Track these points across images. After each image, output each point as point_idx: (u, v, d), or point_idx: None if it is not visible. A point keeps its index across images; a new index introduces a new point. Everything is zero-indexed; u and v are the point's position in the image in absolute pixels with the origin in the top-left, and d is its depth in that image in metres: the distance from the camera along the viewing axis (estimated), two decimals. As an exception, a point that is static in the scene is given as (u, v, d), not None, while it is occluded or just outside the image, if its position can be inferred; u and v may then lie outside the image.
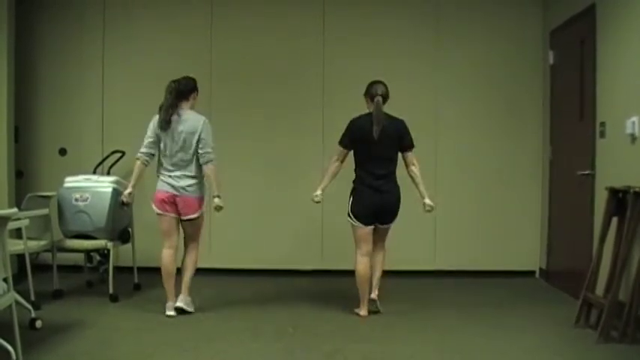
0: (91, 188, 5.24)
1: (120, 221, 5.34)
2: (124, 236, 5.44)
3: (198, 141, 4.64)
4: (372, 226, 4.75)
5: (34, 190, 5.69)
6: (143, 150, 4.75)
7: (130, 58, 6.37)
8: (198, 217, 4.74)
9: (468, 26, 6.31)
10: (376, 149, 4.66)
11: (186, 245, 4.82)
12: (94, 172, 5.99)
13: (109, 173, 6.04)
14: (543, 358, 3.84)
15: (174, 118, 4.64)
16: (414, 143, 4.79)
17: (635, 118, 4.35)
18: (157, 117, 4.70)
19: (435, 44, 6.31)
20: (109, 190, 5.23)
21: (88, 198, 5.19)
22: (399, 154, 4.77)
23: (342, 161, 4.84)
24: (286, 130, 6.35)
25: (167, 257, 4.71)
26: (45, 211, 5.05)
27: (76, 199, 5.19)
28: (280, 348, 3.96)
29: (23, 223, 4.21)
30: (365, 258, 4.73)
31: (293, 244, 6.32)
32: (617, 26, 4.69)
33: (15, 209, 3.72)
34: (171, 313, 4.65)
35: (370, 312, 4.76)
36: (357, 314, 4.76)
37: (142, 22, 6.40)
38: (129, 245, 5.57)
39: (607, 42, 4.83)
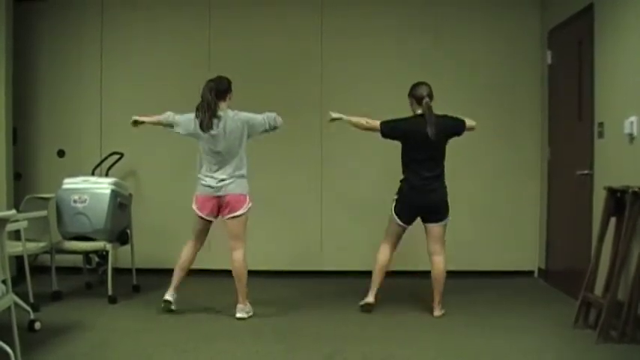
0: (90, 190, 5.24)
1: (119, 223, 5.34)
2: (122, 238, 5.44)
3: (254, 128, 4.68)
4: (408, 226, 4.79)
5: (32, 191, 5.68)
6: (175, 116, 4.78)
7: (129, 59, 6.37)
8: (243, 214, 4.70)
9: (466, 26, 6.31)
10: (428, 150, 4.67)
11: (232, 247, 4.74)
12: (93, 174, 5.99)
13: (107, 175, 6.04)
14: (542, 358, 3.84)
15: (215, 119, 4.60)
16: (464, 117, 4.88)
17: (633, 118, 4.36)
18: (193, 115, 4.66)
19: (433, 44, 6.31)
20: (108, 191, 5.23)
21: (86, 200, 5.18)
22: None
23: (364, 129, 4.87)
24: (284, 131, 6.31)
25: (188, 251, 4.76)
26: (43, 212, 5.04)
27: (75, 201, 5.18)
28: (281, 349, 3.96)
29: (22, 225, 4.21)
30: (387, 250, 4.81)
31: (293, 245, 6.32)
32: (615, 26, 4.69)
33: (13, 211, 3.72)
34: (169, 297, 4.68)
35: (377, 300, 4.79)
36: (365, 303, 4.79)
37: (140, 23, 6.40)
38: (128, 247, 5.57)
39: (605, 42, 4.83)
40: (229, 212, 4.66)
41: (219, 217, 4.74)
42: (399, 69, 6.18)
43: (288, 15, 6.37)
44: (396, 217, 4.77)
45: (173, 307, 4.72)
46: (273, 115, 4.81)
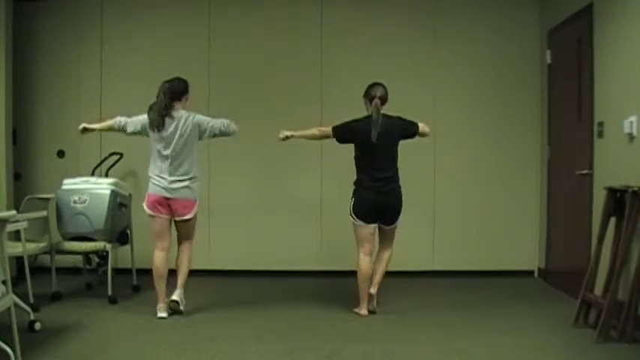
0: (90, 190, 5.24)
1: (118, 223, 5.34)
2: (122, 238, 5.44)
3: (204, 132, 4.67)
4: (375, 225, 4.76)
5: (32, 192, 5.69)
6: (127, 120, 4.79)
7: (128, 59, 6.37)
8: (192, 218, 4.74)
9: (466, 26, 6.32)
10: (376, 152, 4.66)
11: (180, 244, 4.82)
12: (93, 174, 5.99)
13: (107, 175, 6.04)
14: (542, 358, 3.83)
15: (168, 119, 4.62)
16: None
17: (633, 118, 4.36)
18: (145, 115, 4.70)
19: (432, 44, 6.31)
20: (108, 192, 5.23)
21: (86, 200, 5.18)
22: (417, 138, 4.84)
23: (320, 138, 4.95)
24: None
25: (159, 259, 4.71)
26: (43, 213, 5.04)
27: (75, 201, 5.18)
28: (280, 349, 3.96)
29: (22, 226, 4.21)
30: (367, 257, 4.76)
31: (292, 245, 6.32)
32: (614, 25, 4.69)
33: (13, 212, 3.73)
34: (163, 314, 4.65)
35: (370, 312, 4.77)
36: (357, 314, 4.76)
37: (139, 23, 6.40)
38: (127, 247, 5.57)
39: (604, 41, 4.83)
40: (179, 216, 4.69)
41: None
42: (398, 69, 6.19)
43: (288, 15, 6.36)
44: (357, 219, 4.74)
45: (182, 306, 4.72)
46: (227, 121, 4.79)
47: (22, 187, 6.18)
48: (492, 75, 6.30)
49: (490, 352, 3.92)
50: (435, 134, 6.23)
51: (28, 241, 4.70)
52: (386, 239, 4.86)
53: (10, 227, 3.84)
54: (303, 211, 6.34)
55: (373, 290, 4.79)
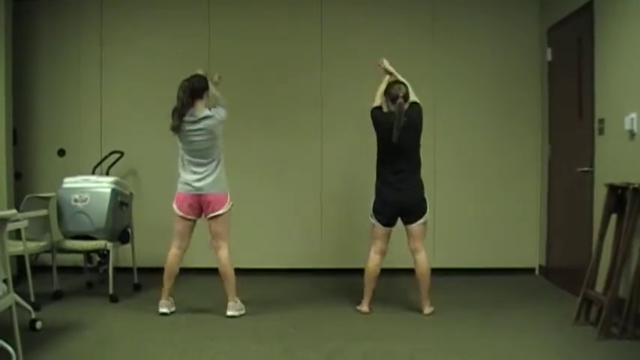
0: (90, 189, 5.24)
1: (119, 222, 5.34)
2: (123, 237, 5.44)
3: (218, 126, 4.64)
4: (390, 228, 4.76)
5: (33, 191, 5.68)
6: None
7: (128, 59, 6.37)
8: (225, 213, 4.69)
9: (466, 25, 6.31)
10: (396, 148, 4.64)
11: (216, 248, 4.72)
12: (93, 173, 6.00)
13: (107, 174, 6.04)
14: (543, 356, 3.84)
15: (190, 118, 4.58)
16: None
17: (633, 115, 4.35)
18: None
19: (432, 43, 6.30)
20: (108, 190, 5.23)
21: (87, 199, 5.18)
22: None
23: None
24: (284, 132, 6.35)
25: (173, 257, 4.72)
26: (44, 212, 5.04)
27: (75, 200, 5.19)
28: (281, 348, 3.96)
29: (22, 225, 4.21)
30: (377, 256, 4.76)
31: (292, 244, 6.32)
32: (614, 23, 4.69)
33: (14, 210, 3.72)
34: (164, 310, 4.66)
35: (372, 310, 4.76)
36: (359, 311, 4.77)
37: (139, 23, 6.40)
38: (129, 246, 5.57)
39: (605, 39, 4.83)
40: (211, 212, 4.66)
41: (203, 216, 4.73)
42: (398, 68, 6.16)
43: (288, 15, 6.36)
44: (374, 219, 4.74)
45: (169, 310, 4.72)
46: (224, 109, 4.75)
47: (23, 186, 6.18)
48: (492, 73, 6.29)
49: (491, 349, 3.93)
50: (435, 133, 6.25)
51: (28, 240, 4.70)
52: (413, 240, 4.76)
53: (11, 226, 3.84)
54: (304, 210, 6.34)
55: (427, 310, 4.75)
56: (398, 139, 4.56)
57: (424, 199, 4.74)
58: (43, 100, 6.41)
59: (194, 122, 4.57)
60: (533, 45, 6.26)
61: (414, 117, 4.69)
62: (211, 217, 4.67)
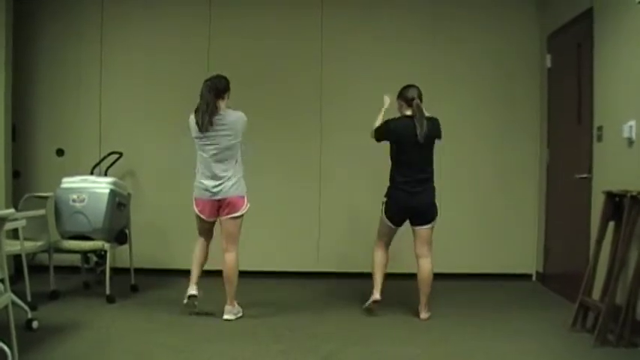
0: (89, 189, 5.23)
1: (117, 222, 5.33)
2: (121, 237, 5.44)
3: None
4: (399, 227, 4.82)
5: (31, 190, 5.68)
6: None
7: (128, 58, 6.37)
8: (242, 215, 4.68)
9: (466, 29, 6.32)
10: (417, 151, 4.67)
11: (226, 249, 4.69)
12: (92, 173, 5.98)
13: (106, 174, 6.04)
14: (540, 362, 3.85)
15: (215, 118, 4.55)
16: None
17: (632, 122, 4.36)
18: (193, 119, 4.61)
19: (432, 48, 6.31)
20: (107, 191, 5.22)
21: (85, 199, 5.18)
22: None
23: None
24: (284, 132, 6.35)
25: (199, 245, 4.78)
26: (42, 211, 5.04)
27: (74, 200, 5.18)
28: (278, 350, 3.96)
29: (20, 224, 4.21)
30: (382, 250, 4.86)
31: (290, 246, 6.32)
32: (614, 30, 4.70)
33: (12, 210, 3.72)
34: (193, 292, 4.65)
35: (378, 301, 4.78)
36: (371, 303, 4.78)
37: (139, 22, 6.40)
38: (126, 246, 5.57)
39: (604, 46, 4.84)
40: (228, 213, 4.64)
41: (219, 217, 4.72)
42: (398, 70, 6.19)
43: (288, 15, 6.37)
44: (386, 220, 4.79)
45: (196, 302, 4.71)
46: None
47: (21, 185, 6.17)
48: (492, 78, 6.30)
49: (487, 355, 3.93)
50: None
51: (26, 239, 4.70)
52: (421, 244, 4.80)
53: (9, 225, 3.83)
54: (303, 213, 6.34)
55: (424, 315, 4.76)
56: (422, 140, 4.60)
57: (435, 204, 4.79)
58: (42, 100, 6.40)
59: (216, 122, 4.56)
60: (533, 51, 6.27)
61: (433, 127, 4.72)
62: (226, 219, 4.67)
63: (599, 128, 4.88)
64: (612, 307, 4.06)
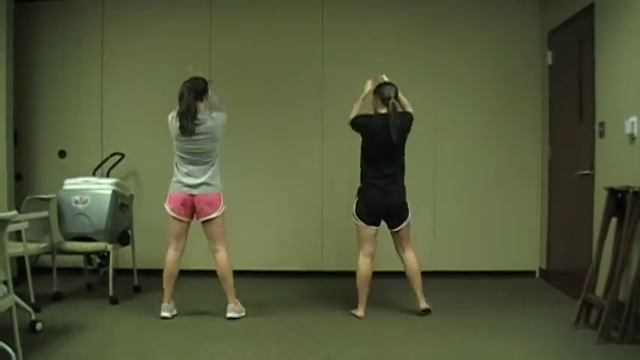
0: (91, 190, 5.24)
1: (120, 223, 5.34)
2: (123, 238, 5.45)
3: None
4: (376, 228, 4.75)
5: (33, 192, 5.69)
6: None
7: (129, 60, 6.38)
8: (219, 216, 4.68)
9: (466, 27, 6.31)
10: (388, 149, 4.65)
11: (213, 251, 4.72)
12: (94, 175, 5.99)
13: (108, 175, 6.05)
14: (543, 359, 3.84)
15: (195, 120, 4.56)
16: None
17: (634, 119, 4.35)
18: (172, 120, 4.63)
19: (432, 46, 6.31)
20: (109, 192, 5.23)
21: (87, 200, 5.19)
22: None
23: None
24: (285, 133, 6.35)
25: (171, 258, 4.69)
26: (44, 213, 5.05)
27: (76, 202, 5.19)
28: (278, 350, 3.96)
29: (23, 226, 4.21)
30: (367, 259, 4.75)
31: (292, 246, 6.32)
32: (615, 26, 4.69)
33: (14, 212, 3.72)
34: (166, 314, 4.64)
35: (368, 314, 4.76)
36: (354, 315, 4.76)
37: (140, 24, 6.41)
38: (129, 247, 5.58)
39: (605, 42, 4.83)
40: (206, 214, 4.65)
41: (196, 219, 4.72)
42: (399, 69, 6.17)
43: (288, 15, 6.37)
44: (359, 220, 4.74)
45: (171, 314, 4.70)
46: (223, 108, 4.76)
47: (24, 187, 6.19)
48: (493, 76, 6.29)
49: (490, 353, 3.92)
50: (435, 135, 6.26)
51: (29, 241, 4.70)
52: (399, 242, 4.80)
53: (12, 227, 3.84)
54: (304, 212, 6.34)
55: (423, 305, 4.74)
56: (397, 139, 4.57)
57: (406, 203, 4.76)
58: (44, 102, 6.42)
59: (197, 125, 4.57)
60: (534, 48, 6.26)
61: (404, 123, 4.70)
62: (205, 221, 4.67)
63: (601, 125, 4.87)
64: (615, 303, 4.05)
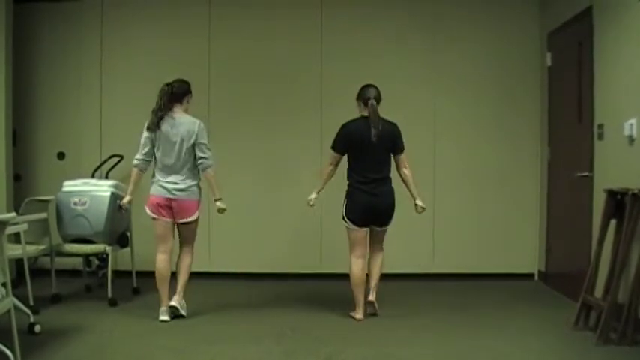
0: (90, 192, 5.24)
1: (118, 225, 5.34)
2: (122, 240, 5.44)
3: (194, 145, 4.62)
4: (367, 229, 4.76)
5: (32, 194, 5.68)
6: (139, 157, 4.72)
7: (128, 61, 6.38)
8: (194, 221, 4.73)
9: (466, 28, 6.32)
10: (371, 152, 4.66)
11: (181, 248, 4.80)
12: (93, 176, 5.99)
13: (107, 177, 6.04)
14: (542, 361, 3.85)
15: (169, 121, 4.61)
16: (406, 147, 4.82)
17: (633, 120, 4.36)
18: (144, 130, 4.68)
19: (432, 46, 6.31)
20: (108, 194, 5.23)
21: (86, 202, 5.19)
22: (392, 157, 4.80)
23: (336, 165, 4.84)
24: (284, 132, 6.35)
25: (161, 262, 4.69)
26: (43, 215, 5.04)
27: (75, 204, 5.19)
28: (279, 351, 3.96)
29: (22, 228, 4.21)
30: (359, 260, 4.75)
31: (291, 248, 6.31)
32: (614, 28, 4.69)
33: (13, 214, 3.73)
34: (165, 317, 4.63)
35: (367, 315, 4.76)
36: (353, 317, 4.75)
37: (139, 25, 6.41)
38: (127, 249, 5.58)
39: (604, 44, 4.83)
40: (182, 217, 4.68)
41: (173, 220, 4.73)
42: (398, 70, 6.19)
43: (288, 15, 6.37)
44: (349, 223, 4.73)
45: (183, 311, 4.71)
46: (209, 161, 4.68)
47: (22, 189, 6.18)
48: (492, 77, 6.30)
49: (489, 355, 3.92)
50: (435, 136, 6.26)
51: (28, 243, 4.70)
52: (377, 242, 4.85)
53: (10, 229, 3.84)
54: (303, 214, 6.32)
55: (372, 297, 4.77)
56: (376, 140, 4.57)
57: (394, 206, 4.75)
58: (43, 103, 6.42)
59: (173, 127, 4.60)
60: (534, 49, 6.26)
61: (393, 132, 4.71)
62: (181, 224, 4.71)
63: (600, 126, 4.88)
64: (614, 305, 4.05)
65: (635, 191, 4.04)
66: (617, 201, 4.32)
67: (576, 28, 5.36)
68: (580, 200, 5.18)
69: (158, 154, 4.67)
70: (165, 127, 4.61)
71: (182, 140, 4.61)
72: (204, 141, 4.66)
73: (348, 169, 4.78)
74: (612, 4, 4.71)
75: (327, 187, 6.26)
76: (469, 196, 6.30)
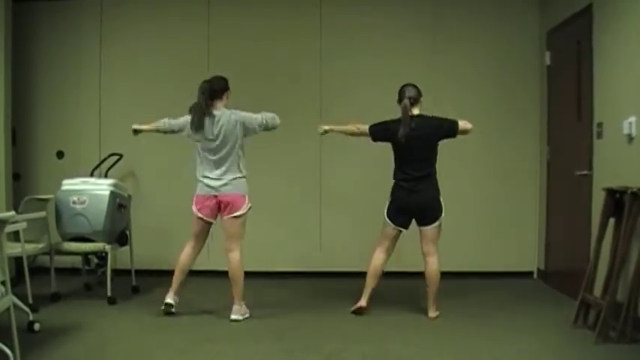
0: (89, 191, 5.24)
1: (117, 224, 5.34)
2: (121, 239, 5.44)
3: (246, 130, 4.66)
4: (400, 230, 4.79)
5: (31, 192, 5.68)
6: (169, 121, 4.79)
7: (127, 60, 6.38)
8: (243, 214, 4.68)
9: (465, 26, 6.32)
10: (409, 151, 4.69)
11: (229, 248, 4.70)
12: (92, 175, 5.99)
13: (106, 176, 6.04)
14: (541, 359, 3.84)
15: (210, 118, 4.59)
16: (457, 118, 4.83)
17: (632, 119, 4.36)
18: (189, 117, 4.65)
19: (432, 45, 6.31)
20: (107, 192, 5.23)
21: (85, 201, 5.18)
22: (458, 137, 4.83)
23: (358, 135, 4.91)
24: (284, 132, 6.31)
25: (186, 256, 4.73)
26: (42, 214, 5.04)
27: (74, 202, 5.18)
28: (280, 349, 3.96)
29: (21, 226, 4.20)
30: (382, 255, 4.81)
31: (292, 246, 6.32)
32: (614, 26, 4.69)
33: (12, 212, 3.73)
34: (170, 300, 4.65)
35: (367, 305, 4.76)
36: (355, 307, 4.77)
37: (138, 24, 6.41)
38: (127, 248, 5.57)
39: (604, 42, 4.83)
40: (228, 212, 4.65)
41: (219, 217, 4.72)
42: (398, 69, 6.19)
43: (287, 14, 6.37)
44: (388, 220, 4.78)
45: (173, 310, 4.70)
46: (271, 115, 4.82)
47: (22, 187, 6.18)
48: (492, 76, 6.30)
49: (489, 353, 3.92)
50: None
51: (27, 241, 4.69)
52: (426, 243, 4.79)
53: (10, 228, 3.83)
54: (304, 212, 6.34)
55: (432, 314, 4.75)
56: (405, 140, 4.61)
57: (438, 200, 4.77)
58: (42, 102, 6.41)
59: (215, 123, 4.59)
60: (533, 48, 6.26)
61: (430, 124, 4.73)
62: (228, 219, 4.66)
63: (599, 125, 4.88)
64: (614, 303, 4.06)
65: (635, 189, 4.05)
66: (617, 199, 4.32)
67: (576, 27, 5.36)
68: (579, 199, 5.18)
69: (201, 151, 4.66)
70: (207, 124, 4.59)
71: (225, 135, 4.60)
72: (249, 114, 4.72)
73: (394, 167, 4.83)
74: (611, 3, 4.71)
75: (328, 186, 6.30)
76: (468, 195, 6.29)
